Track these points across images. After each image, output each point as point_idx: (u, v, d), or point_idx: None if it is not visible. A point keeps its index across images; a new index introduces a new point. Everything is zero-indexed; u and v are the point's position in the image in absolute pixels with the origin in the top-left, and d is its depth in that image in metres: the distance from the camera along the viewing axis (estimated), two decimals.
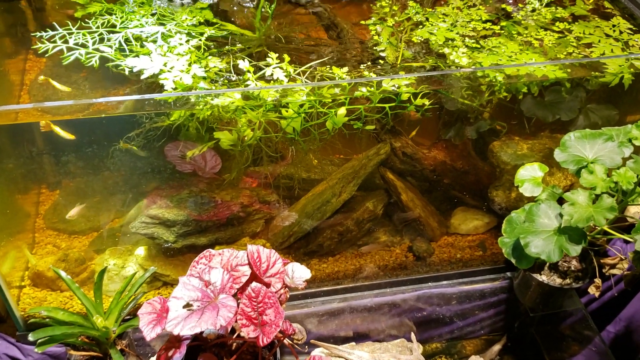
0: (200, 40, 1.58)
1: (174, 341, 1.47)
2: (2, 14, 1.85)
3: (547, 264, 1.72)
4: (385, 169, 1.86)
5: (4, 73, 1.79)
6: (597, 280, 1.63)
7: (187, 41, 1.56)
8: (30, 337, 1.45)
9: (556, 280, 1.72)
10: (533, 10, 1.78)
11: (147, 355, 1.77)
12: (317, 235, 1.88)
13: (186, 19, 1.65)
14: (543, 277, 1.72)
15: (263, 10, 1.70)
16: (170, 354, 1.46)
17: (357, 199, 1.87)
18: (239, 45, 1.62)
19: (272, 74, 1.49)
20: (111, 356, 1.57)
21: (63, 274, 1.59)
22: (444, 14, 1.77)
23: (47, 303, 1.78)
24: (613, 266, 1.65)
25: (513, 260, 1.57)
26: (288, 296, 1.55)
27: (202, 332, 1.45)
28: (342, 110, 1.50)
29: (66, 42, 1.57)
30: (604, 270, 1.66)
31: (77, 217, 1.80)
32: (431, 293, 1.93)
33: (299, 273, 1.53)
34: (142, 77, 1.46)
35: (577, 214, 1.41)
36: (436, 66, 1.58)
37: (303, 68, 1.52)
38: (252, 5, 1.83)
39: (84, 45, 1.56)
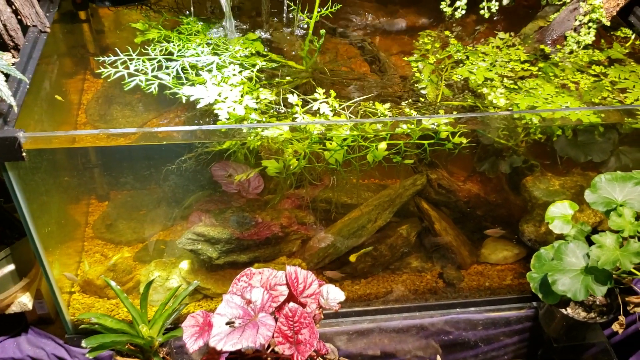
0: (252, 71, 1.67)
1: (213, 353, 1.56)
2: (65, 35, 1.97)
3: None
4: (420, 199, 1.93)
5: (65, 93, 1.90)
6: (621, 318, 1.68)
7: (240, 72, 1.66)
8: (83, 344, 1.56)
9: (581, 314, 1.77)
10: (571, 52, 1.84)
11: None
12: None
13: (239, 49, 1.75)
14: (568, 311, 1.78)
15: (311, 43, 1.79)
16: None
17: (392, 225, 1.95)
18: (287, 78, 1.71)
19: (318, 108, 1.58)
20: None
21: (113, 283, 1.70)
22: (483, 53, 1.84)
23: (94, 309, 1.89)
24: (638, 305, 1.70)
25: (540, 295, 1.63)
26: (322, 317, 1.64)
27: None
28: (382, 145, 1.58)
29: (127, 67, 1.68)
30: (628, 308, 1.71)
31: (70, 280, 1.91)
32: (458, 318, 2.00)
33: (334, 295, 1.61)
34: (198, 106, 1.56)
35: (604, 257, 1.47)
36: (474, 106, 1.65)
37: (348, 103, 1.61)
38: (301, 38, 1.92)
39: (143, 72, 1.66)
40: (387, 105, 1.61)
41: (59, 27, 1.90)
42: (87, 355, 1.60)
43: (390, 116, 1.57)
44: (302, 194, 1.87)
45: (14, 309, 1.77)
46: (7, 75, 1.42)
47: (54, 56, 1.82)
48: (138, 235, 2.04)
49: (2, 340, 1.85)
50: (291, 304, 1.54)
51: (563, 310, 1.77)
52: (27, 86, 1.51)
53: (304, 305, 1.58)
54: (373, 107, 1.62)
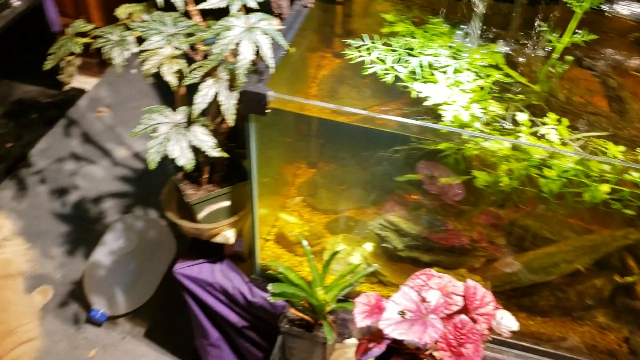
0: (486, 82, 1.68)
1: (377, 336, 1.63)
2: (321, 13, 2.14)
3: None
4: (627, 254, 1.79)
5: (305, 65, 2.09)
6: None
7: (474, 80, 1.68)
8: (269, 287, 1.73)
9: None
10: None
11: (343, 335, 1.97)
12: (533, 292, 1.89)
13: (478, 57, 1.77)
14: None
15: (552, 67, 1.74)
16: (371, 345, 1.63)
17: (587, 271, 1.83)
18: (519, 96, 1.70)
19: (546, 133, 1.54)
20: (322, 325, 1.79)
21: (305, 242, 1.85)
22: None
23: (281, 260, 2.08)
24: None
25: None
26: (490, 338, 1.62)
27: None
28: (605, 187, 1.50)
29: (369, 54, 1.79)
30: None
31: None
32: None
33: (507, 322, 1.57)
34: (425, 103, 1.62)
35: None
36: None
37: (578, 136, 1.54)
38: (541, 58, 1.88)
39: (382, 61, 1.76)
40: (622, 147, 1.52)
41: (318, 4, 2.08)
42: (268, 299, 1.77)
43: (622, 160, 1.48)
44: (501, 214, 1.84)
45: (219, 239, 2.02)
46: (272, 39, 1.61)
47: (309, 30, 2.00)
48: (334, 207, 2.18)
49: (202, 262, 2.13)
50: (463, 316, 1.54)
51: None
52: (283, 52, 1.69)
53: (474, 322, 1.57)
54: (604, 146, 1.53)
